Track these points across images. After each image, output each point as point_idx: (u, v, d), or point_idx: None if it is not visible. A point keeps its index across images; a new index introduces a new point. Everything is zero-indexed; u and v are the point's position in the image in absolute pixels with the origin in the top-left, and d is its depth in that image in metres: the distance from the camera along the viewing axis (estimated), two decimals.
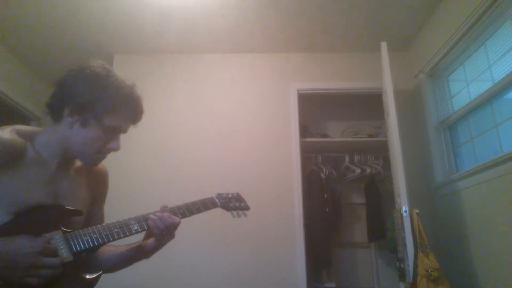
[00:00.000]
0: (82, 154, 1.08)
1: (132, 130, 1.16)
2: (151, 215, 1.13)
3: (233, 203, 1.39)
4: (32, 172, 1.02)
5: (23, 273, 0.87)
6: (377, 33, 3.09)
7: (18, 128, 1.05)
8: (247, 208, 1.42)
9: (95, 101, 1.02)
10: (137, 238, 1.20)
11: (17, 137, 1.00)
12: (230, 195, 1.40)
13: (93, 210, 1.21)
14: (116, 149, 1.10)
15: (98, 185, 1.23)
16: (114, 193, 2.78)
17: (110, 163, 1.24)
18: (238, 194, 1.44)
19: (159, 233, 1.12)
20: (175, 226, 1.14)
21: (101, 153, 1.10)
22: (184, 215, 1.20)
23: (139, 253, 1.18)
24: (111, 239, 1.05)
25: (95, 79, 1.04)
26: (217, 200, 1.34)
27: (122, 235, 1.07)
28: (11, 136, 0.99)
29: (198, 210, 1.24)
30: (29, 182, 1.01)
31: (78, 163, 1.17)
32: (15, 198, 0.97)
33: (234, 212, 1.39)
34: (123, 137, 1.14)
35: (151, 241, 1.17)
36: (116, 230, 1.06)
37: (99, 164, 1.16)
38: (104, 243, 1.04)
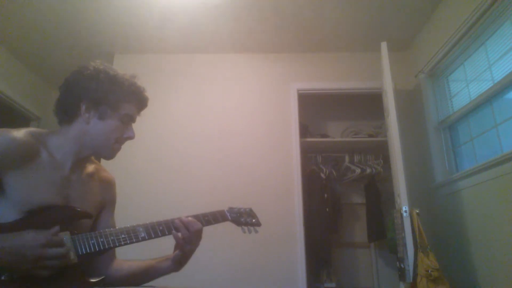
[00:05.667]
0: (102, 146, 1.13)
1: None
2: (176, 220, 1.13)
3: (244, 218, 1.36)
4: (46, 174, 1.04)
5: (32, 264, 0.91)
6: (377, 33, 3.09)
7: (33, 130, 1.08)
8: (258, 224, 1.39)
9: (108, 93, 1.10)
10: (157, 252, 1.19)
11: (31, 139, 1.04)
12: (242, 210, 1.38)
13: (102, 218, 1.22)
14: (132, 137, 1.17)
15: (107, 192, 1.25)
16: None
17: (111, 164, 1.24)
18: (250, 210, 1.42)
19: (182, 242, 1.12)
20: (199, 232, 1.14)
21: (118, 143, 1.16)
22: None
23: (165, 266, 1.18)
24: (117, 244, 1.05)
25: (102, 74, 1.11)
26: (227, 214, 1.32)
27: (128, 241, 1.07)
28: (25, 137, 1.03)
29: (208, 223, 1.23)
30: (43, 184, 1.03)
31: (89, 168, 1.19)
32: (28, 198, 0.99)
33: (245, 228, 1.36)
34: None
35: (176, 253, 1.16)
36: (123, 236, 1.07)
37: (115, 155, 1.18)
38: (110, 248, 1.05)
